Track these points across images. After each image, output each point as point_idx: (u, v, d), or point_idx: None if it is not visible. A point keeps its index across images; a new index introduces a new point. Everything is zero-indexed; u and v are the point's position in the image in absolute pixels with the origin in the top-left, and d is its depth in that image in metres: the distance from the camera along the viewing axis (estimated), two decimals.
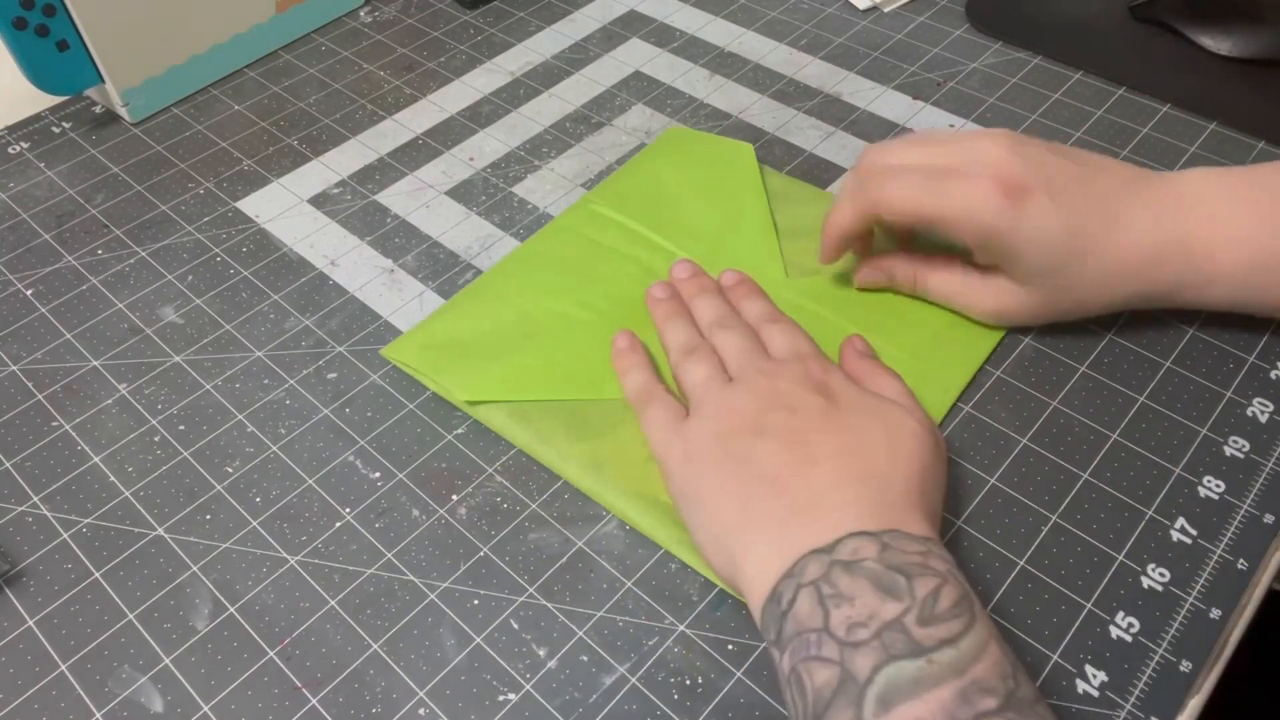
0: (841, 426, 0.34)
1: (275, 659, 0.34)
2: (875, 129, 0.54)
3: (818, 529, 0.30)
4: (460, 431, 0.41)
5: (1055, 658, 0.34)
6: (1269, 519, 0.37)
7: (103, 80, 0.54)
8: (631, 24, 0.62)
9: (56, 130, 0.56)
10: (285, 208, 0.51)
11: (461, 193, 0.51)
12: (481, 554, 0.37)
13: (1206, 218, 0.38)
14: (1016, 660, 0.28)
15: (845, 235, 0.41)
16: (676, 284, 0.44)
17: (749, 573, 0.31)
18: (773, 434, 0.34)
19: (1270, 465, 0.38)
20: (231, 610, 0.36)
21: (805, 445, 0.33)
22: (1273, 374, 0.41)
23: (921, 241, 0.44)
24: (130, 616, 0.36)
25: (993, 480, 0.38)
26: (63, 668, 0.34)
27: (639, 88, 0.57)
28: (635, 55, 0.60)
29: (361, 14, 0.64)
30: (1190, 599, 0.35)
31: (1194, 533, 0.37)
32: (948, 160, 0.39)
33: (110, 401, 0.42)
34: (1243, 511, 0.37)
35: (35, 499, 0.39)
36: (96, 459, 0.40)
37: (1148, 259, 0.38)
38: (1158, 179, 0.39)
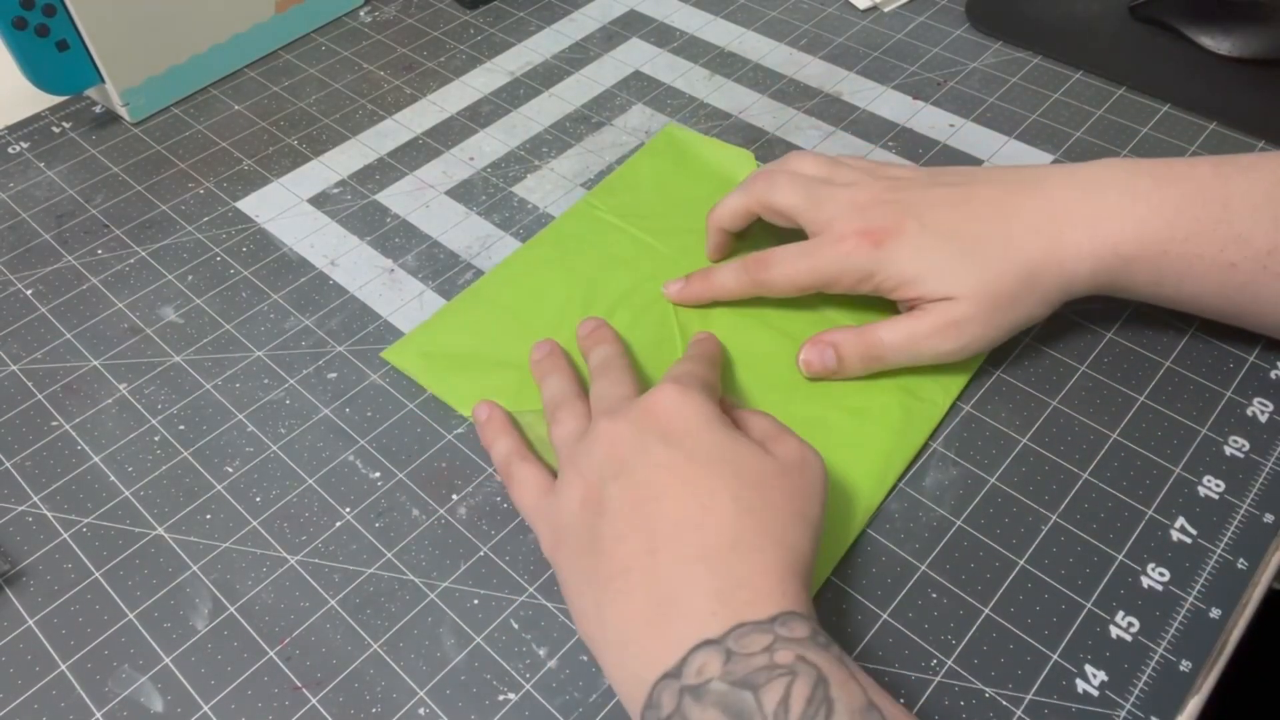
0: (681, 487, 0.31)
1: (275, 659, 0.34)
2: (875, 129, 0.54)
3: (666, 643, 0.29)
4: (460, 431, 0.41)
5: (1055, 657, 0.34)
6: (1269, 519, 0.37)
7: (103, 80, 0.54)
8: (631, 24, 0.62)
9: (56, 130, 0.56)
10: (285, 208, 0.51)
11: (461, 192, 0.51)
12: (481, 554, 0.37)
13: (1114, 198, 0.38)
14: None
15: (725, 226, 0.44)
16: (579, 340, 0.42)
17: (620, 693, 0.30)
18: (615, 511, 0.32)
19: (1270, 465, 0.38)
20: (231, 610, 0.36)
21: (646, 522, 0.31)
22: (1273, 374, 0.41)
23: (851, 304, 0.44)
24: (130, 616, 0.36)
25: (993, 480, 0.38)
26: (63, 667, 0.34)
27: (639, 88, 0.57)
28: (635, 55, 0.60)
29: (361, 14, 0.64)
30: (1190, 599, 0.35)
31: (1194, 532, 0.37)
32: (820, 218, 0.41)
33: (110, 401, 0.42)
34: (1243, 511, 0.37)
35: (35, 499, 0.39)
36: (96, 459, 0.40)
37: (1052, 243, 0.38)
38: (1052, 168, 0.41)
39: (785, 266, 0.41)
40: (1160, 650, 0.34)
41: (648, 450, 0.32)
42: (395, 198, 0.51)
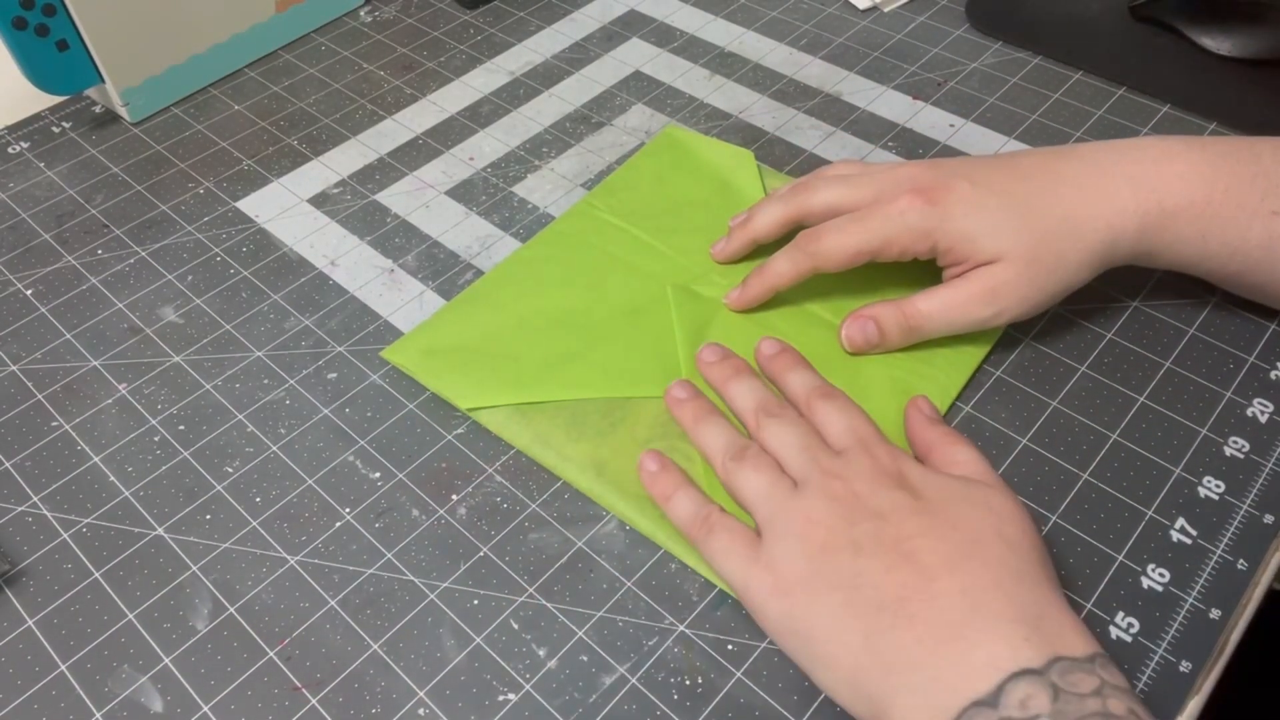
0: (940, 525, 0.31)
1: (275, 659, 0.34)
2: (875, 129, 0.54)
3: (970, 671, 0.27)
4: (460, 431, 0.41)
5: None
6: (1269, 519, 0.37)
7: (103, 80, 0.54)
8: (631, 24, 0.62)
9: (56, 130, 0.56)
10: (285, 208, 0.51)
11: (461, 192, 0.51)
12: (481, 554, 0.37)
13: (1152, 157, 0.39)
14: None
15: (761, 237, 0.44)
16: (704, 369, 0.40)
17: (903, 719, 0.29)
18: (872, 549, 0.31)
19: (1270, 465, 0.38)
20: (231, 610, 0.36)
21: (912, 556, 0.30)
22: (1273, 374, 0.41)
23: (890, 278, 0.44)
24: (130, 616, 0.36)
25: None
26: (63, 668, 0.34)
27: (639, 88, 0.57)
28: (635, 55, 0.60)
29: (361, 14, 0.64)
30: (1190, 599, 0.35)
31: (1194, 533, 0.37)
32: (866, 196, 0.41)
33: (110, 401, 0.42)
34: (1243, 511, 0.37)
35: (35, 499, 0.39)
36: (96, 459, 0.40)
37: (1099, 198, 0.39)
38: (1088, 143, 0.42)
39: (839, 235, 0.40)
40: (1160, 650, 0.34)
41: (890, 497, 0.32)
42: (395, 198, 0.51)
